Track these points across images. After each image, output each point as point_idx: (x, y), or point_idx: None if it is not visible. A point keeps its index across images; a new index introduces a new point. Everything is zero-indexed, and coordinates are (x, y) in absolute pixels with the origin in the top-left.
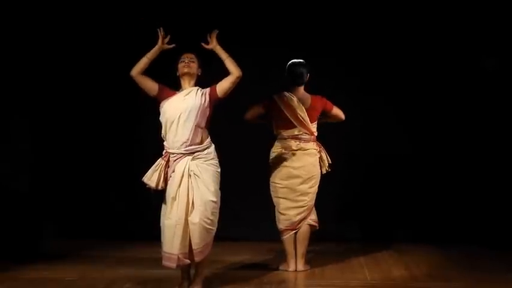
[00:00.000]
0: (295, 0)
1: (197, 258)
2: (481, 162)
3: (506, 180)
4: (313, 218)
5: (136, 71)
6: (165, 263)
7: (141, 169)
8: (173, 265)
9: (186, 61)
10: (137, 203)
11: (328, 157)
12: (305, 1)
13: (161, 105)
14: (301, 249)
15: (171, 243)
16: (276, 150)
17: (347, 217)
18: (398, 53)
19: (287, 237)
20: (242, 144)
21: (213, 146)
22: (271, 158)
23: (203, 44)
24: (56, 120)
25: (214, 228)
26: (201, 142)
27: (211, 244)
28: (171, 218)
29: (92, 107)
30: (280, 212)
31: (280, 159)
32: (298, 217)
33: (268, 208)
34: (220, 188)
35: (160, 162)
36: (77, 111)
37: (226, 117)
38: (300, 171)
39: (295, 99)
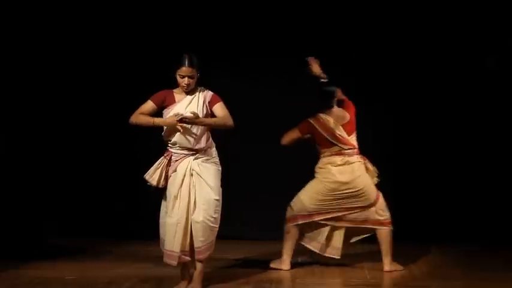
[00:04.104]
0: (291, 5)
1: (201, 257)
2: (481, 161)
3: (506, 179)
4: (379, 223)
5: (135, 122)
6: (166, 260)
7: (141, 168)
8: (174, 262)
9: (186, 81)
10: (137, 203)
11: (374, 167)
12: (301, 5)
13: (164, 112)
14: (385, 249)
15: (172, 241)
16: (322, 166)
17: None
18: (398, 54)
19: (291, 226)
20: (243, 143)
21: (214, 145)
22: (317, 173)
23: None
24: (58, 120)
25: (217, 226)
26: (205, 143)
27: (214, 243)
28: (172, 216)
29: (92, 106)
30: (300, 200)
31: (326, 176)
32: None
33: (268, 207)
34: (221, 187)
35: (162, 160)
36: (78, 111)
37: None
38: (348, 186)
39: (331, 120)
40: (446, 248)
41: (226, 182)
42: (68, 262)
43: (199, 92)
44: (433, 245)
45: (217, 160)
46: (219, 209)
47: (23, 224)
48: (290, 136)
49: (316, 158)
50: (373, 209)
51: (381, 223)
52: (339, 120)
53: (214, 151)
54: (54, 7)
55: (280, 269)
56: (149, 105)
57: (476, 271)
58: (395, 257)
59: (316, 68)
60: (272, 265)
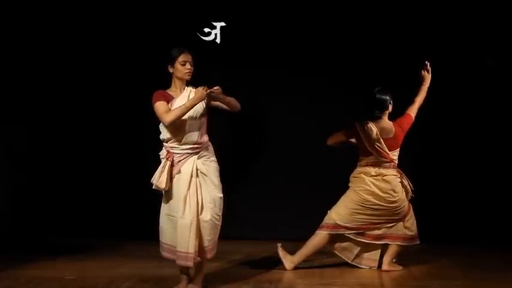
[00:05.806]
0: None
1: (209, 256)
2: (482, 161)
3: (506, 179)
4: (408, 238)
5: (173, 119)
6: (180, 262)
7: (141, 168)
8: (190, 263)
9: (189, 67)
10: (137, 202)
11: (410, 183)
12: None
13: None
14: (390, 250)
15: (187, 242)
16: (356, 175)
17: None
18: (397, 55)
19: (322, 233)
20: (244, 144)
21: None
22: (351, 182)
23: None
24: (59, 120)
25: (220, 224)
26: (207, 137)
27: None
28: (185, 217)
29: (91, 108)
30: (334, 212)
31: (359, 185)
32: (348, 230)
33: (268, 207)
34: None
35: (165, 163)
36: (78, 111)
37: (225, 116)
38: (381, 199)
39: (375, 130)
40: (446, 248)
41: (227, 181)
42: (68, 262)
43: (193, 88)
44: (433, 245)
45: (215, 158)
46: (222, 206)
47: (22, 223)
48: (335, 138)
49: (315, 159)
50: (401, 224)
51: (409, 238)
52: (383, 133)
53: (212, 149)
54: (59, 7)
55: (283, 265)
56: (164, 104)
57: (476, 271)
58: (397, 256)
59: (427, 74)
60: (280, 252)
